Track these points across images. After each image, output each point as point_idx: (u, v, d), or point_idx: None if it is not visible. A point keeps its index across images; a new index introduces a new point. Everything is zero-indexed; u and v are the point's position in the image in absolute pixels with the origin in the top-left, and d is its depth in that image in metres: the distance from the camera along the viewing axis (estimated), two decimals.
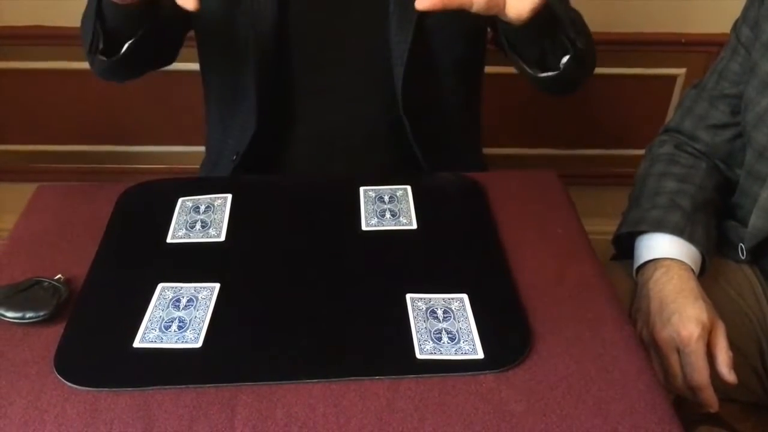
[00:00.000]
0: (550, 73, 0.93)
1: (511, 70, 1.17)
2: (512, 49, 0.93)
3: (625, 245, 1.03)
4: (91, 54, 0.95)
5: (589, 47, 0.97)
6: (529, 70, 0.94)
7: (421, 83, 1.05)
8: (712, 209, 1.01)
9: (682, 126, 1.07)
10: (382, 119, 1.09)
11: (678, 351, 0.88)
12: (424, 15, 1.01)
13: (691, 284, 0.91)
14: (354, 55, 1.06)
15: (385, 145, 1.11)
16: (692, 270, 0.93)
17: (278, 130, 1.10)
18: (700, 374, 0.85)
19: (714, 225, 1.01)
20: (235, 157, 1.10)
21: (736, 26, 1.04)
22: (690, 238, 0.95)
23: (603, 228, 1.13)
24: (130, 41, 0.94)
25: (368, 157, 1.12)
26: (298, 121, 1.10)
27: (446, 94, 1.12)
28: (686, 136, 1.06)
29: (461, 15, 1.04)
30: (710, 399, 0.86)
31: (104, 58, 0.95)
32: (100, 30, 0.92)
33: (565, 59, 0.91)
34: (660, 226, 0.96)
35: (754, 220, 0.96)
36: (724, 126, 1.04)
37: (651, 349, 0.90)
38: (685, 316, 0.87)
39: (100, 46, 0.94)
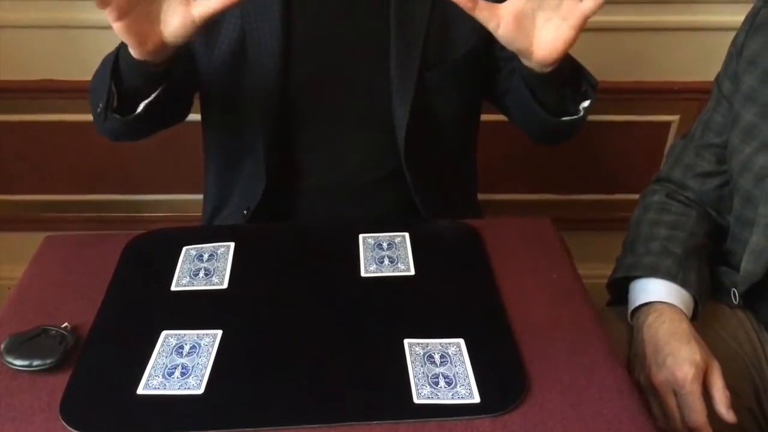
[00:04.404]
0: (570, 118, 0.96)
1: None
2: (532, 95, 0.95)
3: (620, 290, 1.04)
4: (103, 115, 0.95)
5: None
6: (546, 116, 0.96)
7: (423, 133, 1.07)
8: (704, 255, 1.03)
9: (672, 175, 1.10)
10: (384, 168, 1.12)
11: (675, 393, 0.89)
12: (425, 68, 1.05)
13: (683, 326, 0.92)
14: (357, 108, 1.08)
15: (386, 192, 1.14)
16: (684, 313, 0.95)
17: (285, 182, 1.12)
18: (698, 415, 0.86)
19: (706, 270, 1.02)
20: (246, 212, 1.12)
21: (718, 79, 1.07)
22: (682, 283, 0.97)
23: (598, 272, 1.14)
24: (146, 101, 0.95)
25: (370, 204, 1.14)
26: (303, 172, 1.12)
27: (446, 142, 1.14)
28: (676, 185, 1.09)
29: (462, 67, 1.07)
30: None
31: (119, 117, 0.95)
32: (114, 91, 0.93)
33: (585, 104, 0.96)
34: (653, 272, 0.98)
35: (745, 265, 0.98)
36: (711, 174, 1.06)
37: (649, 392, 0.91)
38: (679, 357, 0.88)
39: (114, 104, 0.94)
